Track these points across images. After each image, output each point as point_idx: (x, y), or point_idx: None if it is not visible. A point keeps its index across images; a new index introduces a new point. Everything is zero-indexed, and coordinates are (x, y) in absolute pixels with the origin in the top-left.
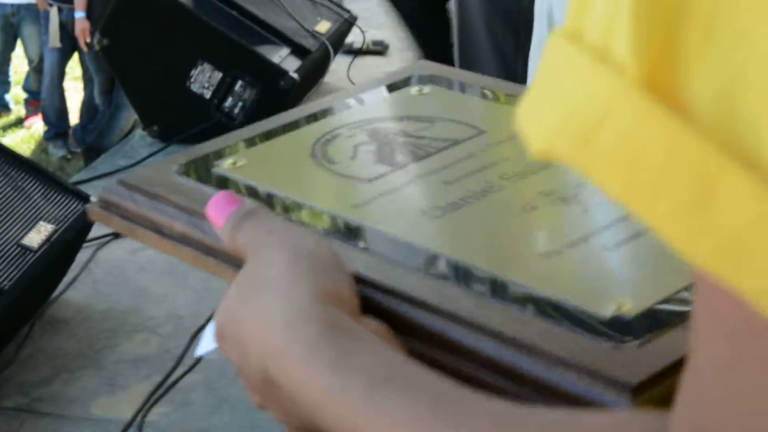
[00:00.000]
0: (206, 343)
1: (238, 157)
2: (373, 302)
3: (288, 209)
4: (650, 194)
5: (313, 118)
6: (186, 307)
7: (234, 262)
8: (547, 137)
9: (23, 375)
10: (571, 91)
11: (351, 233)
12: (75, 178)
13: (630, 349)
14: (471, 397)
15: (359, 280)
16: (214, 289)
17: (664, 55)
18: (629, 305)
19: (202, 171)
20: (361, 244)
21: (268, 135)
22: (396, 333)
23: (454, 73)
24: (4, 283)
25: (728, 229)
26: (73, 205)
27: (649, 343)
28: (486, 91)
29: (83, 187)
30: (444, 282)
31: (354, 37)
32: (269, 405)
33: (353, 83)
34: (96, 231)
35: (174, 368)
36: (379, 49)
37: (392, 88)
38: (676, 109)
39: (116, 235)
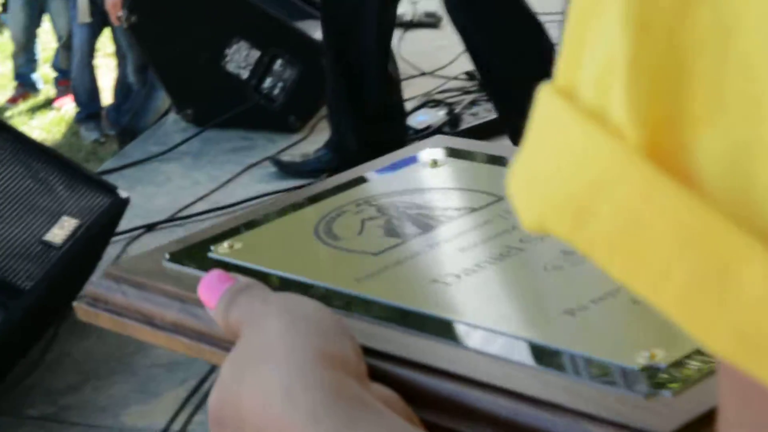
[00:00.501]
0: None
1: (235, 241)
2: (381, 371)
3: (284, 287)
4: (657, 277)
5: (319, 197)
6: None
7: (230, 347)
8: (538, 211)
9: (49, 381)
10: (563, 158)
11: (352, 306)
12: (103, 166)
13: (663, 399)
14: None
15: (365, 350)
16: None
17: (666, 120)
18: (662, 355)
19: (195, 257)
20: (364, 316)
21: (270, 217)
22: (408, 402)
23: (472, 144)
24: (25, 282)
25: (747, 315)
26: (99, 198)
27: (684, 392)
28: (503, 157)
29: (113, 177)
30: (457, 346)
31: (405, 9)
32: None
33: (403, 58)
34: (125, 224)
35: (210, 372)
36: (431, 21)
37: (405, 162)
38: (683, 179)
39: (149, 228)
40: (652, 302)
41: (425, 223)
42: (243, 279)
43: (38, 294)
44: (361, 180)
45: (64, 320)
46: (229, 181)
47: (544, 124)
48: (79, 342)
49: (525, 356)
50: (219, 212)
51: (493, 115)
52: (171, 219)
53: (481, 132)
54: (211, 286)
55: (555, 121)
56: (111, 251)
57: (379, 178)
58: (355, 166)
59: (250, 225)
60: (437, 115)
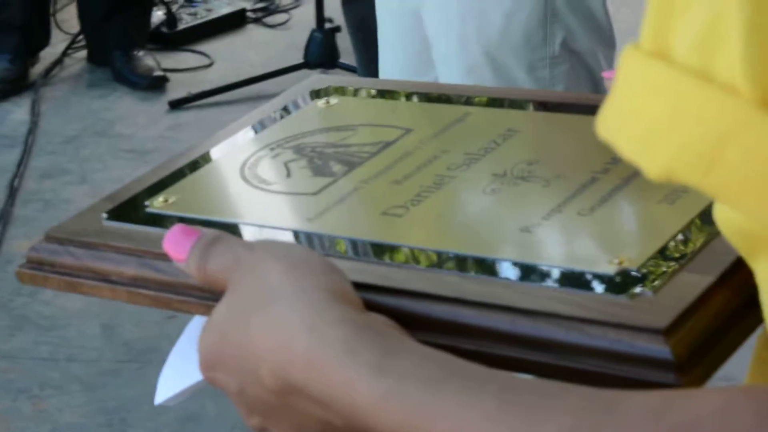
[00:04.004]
0: (166, 389)
1: (168, 194)
2: (372, 303)
3: (243, 235)
4: None
5: (224, 148)
6: None
7: (199, 294)
8: (666, 162)
9: None
10: (681, 113)
11: (314, 245)
12: None
13: (647, 298)
14: (543, 388)
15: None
16: None
17: None
18: (629, 259)
19: (132, 214)
20: (330, 253)
21: (190, 168)
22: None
23: (351, 81)
24: None
25: None
26: None
27: (663, 288)
28: (389, 91)
29: None
30: (436, 271)
31: None
32: (275, 423)
33: None
34: None
35: None
36: None
37: (296, 105)
38: None
39: None
40: None
41: (348, 161)
42: (209, 231)
43: None
44: (263, 124)
45: None
46: None
47: (641, 83)
48: None
49: (505, 274)
50: None
51: (213, 15)
52: None
53: (200, 31)
54: (176, 241)
55: (657, 80)
56: None
57: (280, 122)
58: None
59: (176, 177)
60: (156, 15)
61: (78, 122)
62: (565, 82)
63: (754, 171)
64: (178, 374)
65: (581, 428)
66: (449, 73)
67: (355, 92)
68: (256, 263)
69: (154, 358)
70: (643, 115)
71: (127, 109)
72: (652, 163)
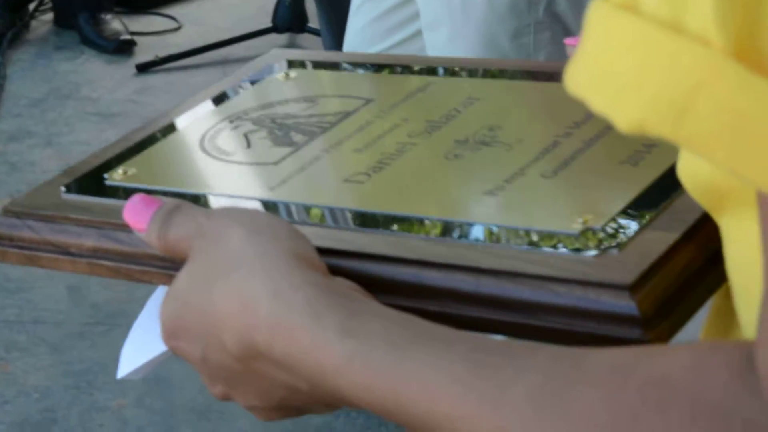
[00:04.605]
0: (129, 362)
1: (127, 167)
2: (336, 268)
3: (204, 205)
4: (759, 157)
5: (184, 121)
6: None
7: (160, 264)
8: (637, 114)
9: None
10: (651, 64)
11: (283, 213)
12: None
13: (612, 256)
14: (510, 349)
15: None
16: None
17: (747, 28)
18: (593, 219)
19: (92, 187)
20: (293, 220)
21: (149, 141)
22: (368, 291)
23: (310, 55)
24: None
25: None
26: None
27: (628, 246)
28: (348, 64)
29: None
30: (399, 235)
31: None
32: (239, 390)
33: None
34: None
35: None
36: None
37: (256, 78)
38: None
39: None
40: (755, 181)
41: (309, 131)
42: (170, 200)
43: None
44: (222, 98)
45: None
46: None
47: (611, 36)
48: None
49: (468, 236)
50: None
51: None
52: None
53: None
54: (137, 211)
55: (627, 32)
56: None
57: (239, 95)
58: None
59: (135, 150)
60: None
61: (44, 85)
62: (546, 49)
63: (725, 121)
64: (141, 347)
65: (550, 386)
66: (435, 41)
67: (316, 65)
68: (218, 230)
69: (122, 321)
70: (613, 67)
71: (94, 73)
72: (624, 116)
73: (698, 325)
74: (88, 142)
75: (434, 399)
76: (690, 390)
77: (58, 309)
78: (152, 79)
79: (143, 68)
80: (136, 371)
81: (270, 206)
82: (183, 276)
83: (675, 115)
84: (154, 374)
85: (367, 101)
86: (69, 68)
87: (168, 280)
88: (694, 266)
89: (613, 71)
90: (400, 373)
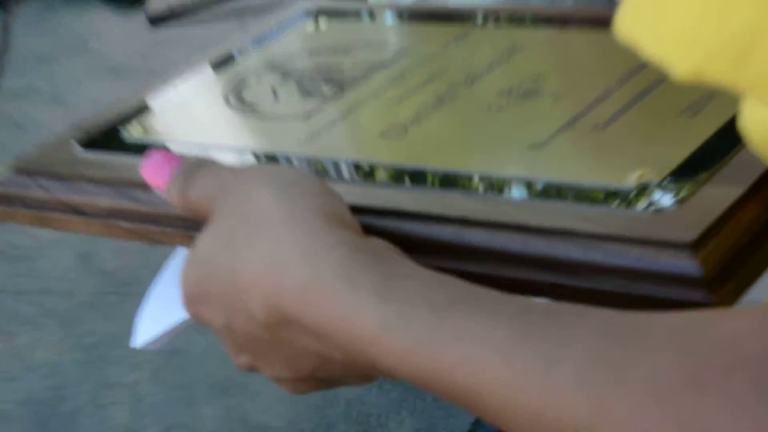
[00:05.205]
0: (146, 331)
1: (146, 120)
2: (370, 227)
3: (228, 161)
4: None
5: (206, 72)
6: None
7: (180, 224)
8: (695, 61)
9: None
10: (707, 11)
11: (313, 169)
12: None
13: (671, 212)
14: (560, 313)
15: (351, 208)
16: None
17: None
18: (650, 172)
19: (107, 142)
20: (329, 177)
21: (168, 94)
22: (405, 252)
23: (339, 3)
24: None
25: None
26: None
27: (688, 202)
28: (380, 12)
29: None
30: (439, 192)
31: None
32: (266, 360)
33: None
34: None
35: None
36: None
37: (283, 28)
38: None
39: None
40: None
41: (340, 82)
42: (191, 156)
43: None
44: (246, 49)
45: None
46: None
47: None
48: None
49: (515, 192)
50: None
51: None
52: None
53: None
54: (156, 168)
55: None
56: None
57: (264, 46)
58: None
59: (155, 102)
60: None
61: (51, 39)
62: None
63: None
64: (158, 315)
65: (604, 354)
66: None
67: (345, 14)
68: (244, 188)
69: (136, 290)
70: (669, 13)
71: (104, 26)
72: (680, 63)
73: (765, 288)
74: (98, 100)
75: (476, 367)
76: (758, 356)
77: (67, 278)
78: (165, 33)
79: (156, 21)
80: (153, 341)
81: (299, 162)
82: (206, 237)
83: (737, 61)
84: (170, 346)
85: (403, 51)
86: (77, 21)
87: (189, 241)
88: (760, 223)
89: (669, 16)
90: (439, 339)
